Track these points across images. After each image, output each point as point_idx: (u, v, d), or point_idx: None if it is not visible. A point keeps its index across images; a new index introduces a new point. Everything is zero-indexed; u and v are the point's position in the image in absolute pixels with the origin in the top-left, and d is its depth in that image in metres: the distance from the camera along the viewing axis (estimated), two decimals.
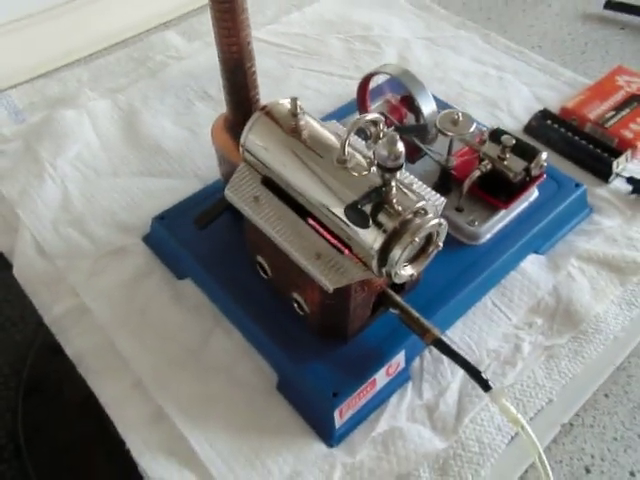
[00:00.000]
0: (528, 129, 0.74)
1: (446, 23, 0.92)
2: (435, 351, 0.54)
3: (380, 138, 0.46)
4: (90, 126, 0.76)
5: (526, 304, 0.58)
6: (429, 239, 0.45)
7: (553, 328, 0.56)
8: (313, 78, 0.83)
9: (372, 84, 0.66)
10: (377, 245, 0.42)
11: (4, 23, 0.83)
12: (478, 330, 0.56)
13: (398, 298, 0.51)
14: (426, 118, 0.59)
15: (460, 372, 0.53)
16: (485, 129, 0.61)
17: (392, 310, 0.51)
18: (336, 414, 0.49)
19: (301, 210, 0.47)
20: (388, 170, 0.40)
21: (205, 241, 0.59)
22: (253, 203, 0.49)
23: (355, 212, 0.41)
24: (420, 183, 0.50)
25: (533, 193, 0.62)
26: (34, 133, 0.75)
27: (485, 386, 0.47)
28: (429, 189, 0.49)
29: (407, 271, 0.44)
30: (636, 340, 0.56)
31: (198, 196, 0.64)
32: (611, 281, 0.60)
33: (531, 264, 0.61)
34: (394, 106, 0.64)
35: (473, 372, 0.48)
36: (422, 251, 0.45)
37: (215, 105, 0.79)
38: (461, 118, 0.55)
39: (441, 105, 0.73)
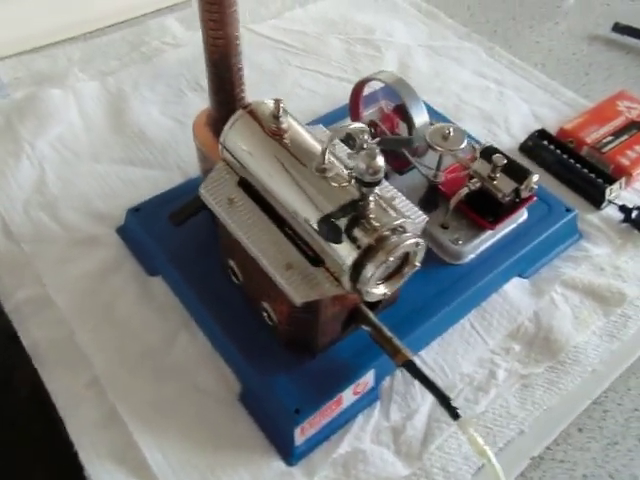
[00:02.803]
0: (524, 148, 0.72)
1: (451, 33, 0.90)
2: (405, 373, 0.53)
3: (363, 149, 0.44)
4: (75, 107, 0.73)
5: (505, 329, 0.56)
6: (406, 258, 0.43)
7: (530, 356, 0.55)
8: (309, 78, 0.80)
9: (368, 90, 0.64)
10: (350, 260, 0.40)
11: None
12: (453, 353, 0.55)
13: (371, 315, 0.49)
14: (417, 129, 0.57)
15: (431, 395, 0.52)
16: (477, 146, 0.59)
17: (364, 327, 0.49)
18: (297, 432, 0.47)
19: (276, 217, 0.45)
20: (366, 184, 0.38)
21: (179, 238, 0.57)
22: (227, 205, 0.47)
23: (328, 226, 0.39)
24: (403, 198, 0.48)
25: (522, 215, 0.61)
26: (16, 110, 0.72)
27: (454, 414, 0.45)
28: (412, 205, 0.47)
29: (380, 290, 0.42)
30: (615, 374, 0.55)
31: (178, 190, 0.62)
32: (594, 311, 0.58)
33: (514, 288, 0.59)
34: (387, 115, 0.62)
35: (442, 399, 0.46)
36: (398, 270, 0.43)
37: (206, 97, 0.77)
38: (452, 133, 0.53)
39: (437, 117, 0.71)
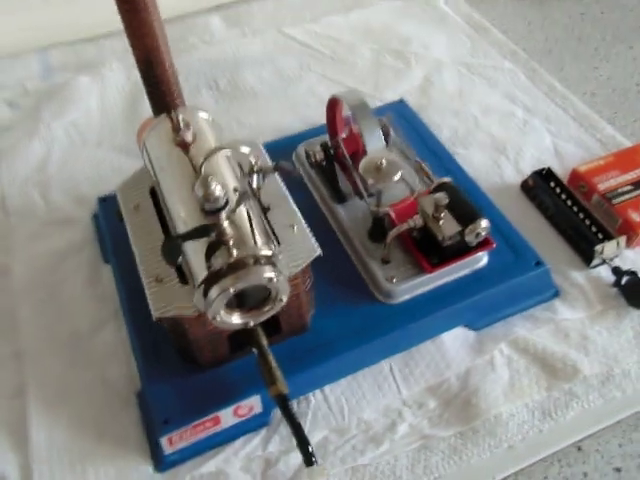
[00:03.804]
0: (524, 187, 0.65)
1: (495, 50, 0.83)
2: (302, 404, 0.51)
3: (254, 172, 0.43)
4: (97, 95, 0.79)
5: (426, 382, 0.52)
6: (269, 294, 0.41)
7: (443, 416, 0.50)
8: (324, 86, 0.79)
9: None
10: (198, 280, 0.39)
11: None
12: (360, 395, 0.52)
13: (262, 339, 0.47)
14: (368, 155, 0.54)
15: (318, 436, 0.49)
16: (438, 180, 0.55)
17: (254, 349, 0.48)
18: (164, 441, 0.47)
19: (166, 229, 0.46)
20: (207, 212, 0.37)
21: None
22: (132, 210, 0.48)
23: (169, 246, 0.38)
24: (302, 226, 0.46)
25: (480, 260, 0.55)
26: (47, 93, 0.79)
27: (308, 460, 0.43)
28: (308, 236, 0.45)
29: (234, 319, 0.41)
30: (535, 457, 0.48)
31: None
32: (537, 382, 0.51)
33: (454, 338, 0.54)
34: (353, 136, 0.59)
35: (301, 442, 0.44)
36: (261, 305, 0.42)
37: (218, 97, 0.79)
38: (385, 165, 0.49)
39: (431, 143, 0.67)
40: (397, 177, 0.49)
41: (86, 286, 0.60)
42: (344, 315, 0.53)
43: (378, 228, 0.56)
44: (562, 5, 0.91)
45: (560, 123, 0.72)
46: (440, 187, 0.53)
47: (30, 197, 0.68)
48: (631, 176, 0.63)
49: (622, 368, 0.52)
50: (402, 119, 0.69)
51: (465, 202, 0.52)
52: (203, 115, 0.50)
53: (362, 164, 0.50)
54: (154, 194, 0.48)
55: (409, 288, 0.53)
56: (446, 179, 0.54)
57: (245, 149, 0.42)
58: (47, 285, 0.60)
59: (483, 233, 0.51)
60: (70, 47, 0.88)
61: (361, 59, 0.83)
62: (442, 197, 0.50)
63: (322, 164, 0.59)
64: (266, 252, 0.40)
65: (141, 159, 0.71)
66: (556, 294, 0.57)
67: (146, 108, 0.76)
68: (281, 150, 0.67)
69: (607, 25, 0.87)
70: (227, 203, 0.37)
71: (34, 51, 0.86)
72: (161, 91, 0.48)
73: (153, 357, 0.51)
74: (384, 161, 0.49)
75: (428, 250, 0.53)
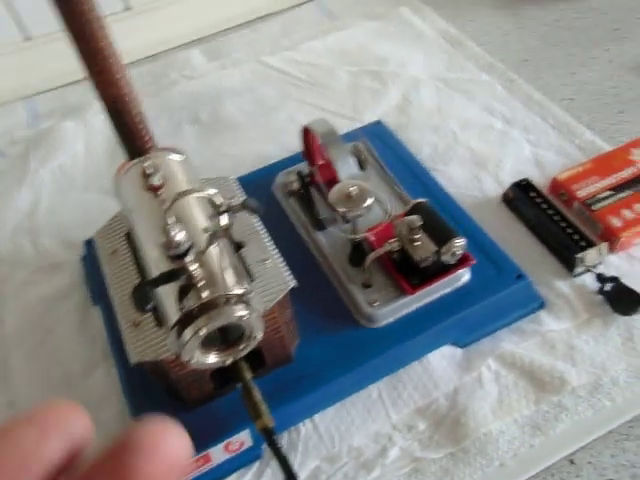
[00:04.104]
0: (505, 199, 0.66)
1: (471, 63, 0.83)
2: (293, 435, 0.51)
3: (220, 212, 0.44)
4: (83, 139, 0.80)
5: (415, 403, 0.52)
6: (243, 332, 0.42)
7: (433, 438, 0.50)
8: (305, 112, 0.80)
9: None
10: (171, 323, 0.40)
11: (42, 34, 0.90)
12: (350, 422, 0.52)
13: (245, 372, 0.48)
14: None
15: (310, 465, 0.50)
16: (413, 201, 0.55)
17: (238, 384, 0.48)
18: None
19: (143, 274, 0.46)
20: (172, 258, 0.38)
21: None
22: (110, 256, 0.49)
23: (138, 293, 0.39)
24: (277, 260, 0.46)
25: (461, 277, 0.55)
26: (34, 140, 0.81)
27: None
28: (283, 269, 0.46)
29: (210, 359, 0.42)
30: (527, 473, 0.48)
31: None
32: (525, 396, 0.51)
33: (441, 357, 0.54)
34: (326, 165, 0.60)
35: (289, 475, 0.44)
36: (236, 343, 0.42)
37: (202, 131, 0.80)
38: (355, 192, 0.50)
39: (409, 162, 0.67)
40: (367, 203, 0.50)
41: (77, 329, 0.61)
42: (329, 342, 0.53)
43: (357, 253, 0.56)
44: (537, 14, 0.91)
45: (539, 132, 0.73)
46: (415, 208, 0.54)
47: (20, 245, 0.69)
48: (610, 181, 0.63)
49: (610, 376, 0.51)
50: (380, 140, 0.69)
51: (440, 222, 0.53)
52: (175, 157, 0.50)
53: (332, 194, 0.51)
54: (130, 239, 0.49)
55: (392, 311, 0.54)
56: (421, 200, 0.55)
57: (211, 191, 0.42)
58: (38, 331, 0.61)
59: (459, 251, 0.51)
60: (56, 92, 0.90)
61: (339, 82, 0.84)
62: (415, 219, 0.51)
63: (299, 193, 0.60)
64: (237, 291, 0.40)
65: None
66: (542, 305, 0.57)
67: None
68: (262, 180, 0.68)
69: (582, 30, 0.88)
70: (191, 247, 0.38)
71: (20, 99, 0.88)
72: (131, 137, 0.49)
73: (142, 397, 0.51)
74: (354, 188, 0.50)
75: (408, 271, 0.54)
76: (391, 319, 0.54)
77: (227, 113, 0.81)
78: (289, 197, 0.62)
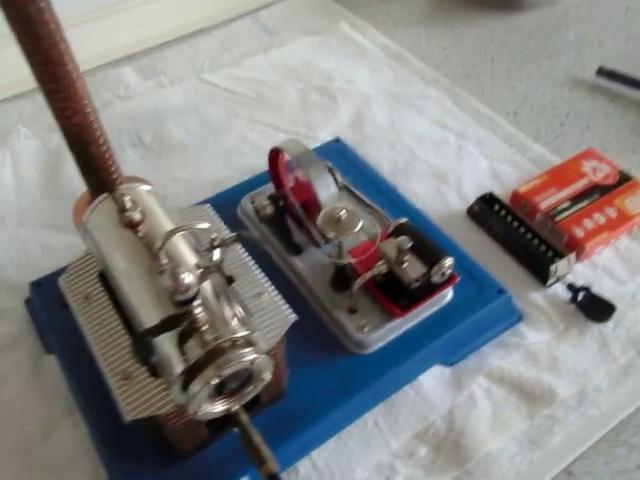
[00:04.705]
0: (470, 213, 0.66)
1: (418, 78, 0.84)
2: (292, 476, 0.48)
3: (214, 247, 0.41)
4: (10, 168, 0.73)
5: (412, 428, 0.51)
6: (250, 374, 0.39)
7: (436, 462, 0.49)
8: (256, 131, 0.77)
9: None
10: (175, 374, 0.36)
11: None
12: (349, 454, 0.50)
13: (243, 416, 0.44)
14: (322, 205, 0.52)
15: None
16: (391, 221, 0.54)
17: (235, 429, 0.45)
18: None
19: (127, 319, 0.42)
20: (178, 304, 0.34)
21: (72, 319, 0.54)
22: (82, 301, 0.44)
23: (140, 345, 0.35)
24: (272, 294, 0.44)
25: (446, 296, 0.55)
26: None
27: None
28: (280, 304, 0.43)
29: (217, 407, 0.38)
30: None
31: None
32: (518, 411, 0.52)
33: (432, 378, 0.54)
34: (301, 186, 0.57)
35: None
36: (243, 386, 0.39)
37: (145, 154, 0.75)
38: (344, 216, 0.48)
39: (373, 180, 0.66)
40: (358, 228, 0.48)
41: (30, 382, 0.54)
42: (320, 373, 0.51)
43: (340, 277, 0.54)
44: (470, 30, 0.94)
45: (492, 146, 0.74)
46: (398, 229, 0.53)
47: None
48: (567, 192, 0.65)
49: (594, 384, 0.53)
50: (341, 158, 0.68)
51: (426, 242, 0.52)
52: (144, 187, 0.46)
53: (320, 218, 0.49)
54: (103, 279, 0.44)
55: (382, 335, 0.52)
56: (402, 220, 0.54)
57: (202, 225, 0.39)
58: None
59: (448, 271, 0.51)
60: None
61: (287, 99, 0.82)
62: (405, 241, 0.50)
63: (273, 218, 0.57)
64: (242, 332, 0.37)
65: (74, 232, 0.66)
66: (520, 318, 0.58)
67: (67, 176, 0.72)
68: (224, 205, 0.64)
69: (514, 47, 0.91)
70: (199, 290, 0.35)
71: None
72: (96, 168, 0.44)
73: (122, 453, 0.47)
74: (343, 212, 0.48)
75: (394, 294, 0.52)
76: (381, 343, 0.52)
77: (172, 135, 0.77)
78: (261, 222, 0.59)
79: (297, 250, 0.57)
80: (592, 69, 0.84)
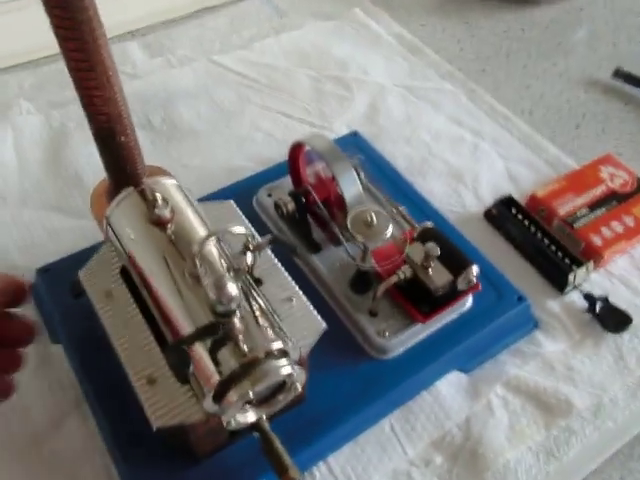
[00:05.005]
0: (488, 216, 0.66)
1: (433, 71, 0.83)
2: (318, 478, 0.48)
3: (249, 250, 0.39)
4: (12, 144, 0.70)
5: (429, 436, 0.50)
6: (282, 383, 0.38)
7: (453, 472, 0.49)
8: (268, 119, 0.75)
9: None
10: (209, 385, 0.35)
11: None
12: (366, 461, 0.49)
13: (264, 422, 0.43)
14: (348, 204, 0.51)
15: None
16: (417, 226, 0.53)
17: (254, 433, 0.44)
18: None
19: (152, 318, 0.40)
20: (219, 315, 0.33)
21: (82, 309, 0.52)
22: (104, 298, 0.42)
23: (175, 354, 0.34)
24: (303, 302, 0.42)
25: (466, 303, 0.54)
26: None
27: None
28: (311, 313, 0.42)
29: (248, 417, 0.37)
30: None
31: (95, 249, 0.58)
32: (535, 421, 0.51)
33: (448, 385, 0.53)
34: (322, 182, 0.56)
35: None
36: (273, 394, 0.38)
37: (154, 137, 0.72)
38: (375, 220, 0.47)
39: (392, 176, 0.65)
40: (389, 234, 0.47)
41: (36, 373, 0.52)
42: (339, 377, 0.50)
43: (361, 279, 0.53)
44: (486, 23, 0.93)
45: (507, 145, 0.73)
46: (424, 234, 0.52)
47: None
48: (585, 198, 0.65)
49: (610, 397, 0.53)
50: (359, 152, 0.66)
51: (452, 248, 0.51)
52: (171, 182, 0.44)
53: (350, 221, 0.47)
54: (125, 275, 0.43)
55: (403, 340, 0.51)
56: (429, 224, 0.53)
57: (239, 229, 0.37)
58: None
59: (474, 280, 0.50)
60: None
61: (300, 87, 0.79)
62: (433, 247, 0.49)
63: (293, 215, 0.56)
64: (278, 344, 0.36)
65: (79, 216, 0.64)
66: (536, 325, 0.57)
67: (72, 156, 0.69)
68: (239, 195, 0.62)
69: (530, 43, 0.90)
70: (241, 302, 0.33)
71: None
72: (124, 160, 0.42)
73: (133, 451, 0.45)
74: (373, 215, 0.47)
75: (417, 299, 0.52)
76: (402, 349, 0.52)
77: (183, 118, 0.74)
78: (281, 218, 0.57)
79: (316, 248, 0.56)
80: (607, 69, 0.84)
